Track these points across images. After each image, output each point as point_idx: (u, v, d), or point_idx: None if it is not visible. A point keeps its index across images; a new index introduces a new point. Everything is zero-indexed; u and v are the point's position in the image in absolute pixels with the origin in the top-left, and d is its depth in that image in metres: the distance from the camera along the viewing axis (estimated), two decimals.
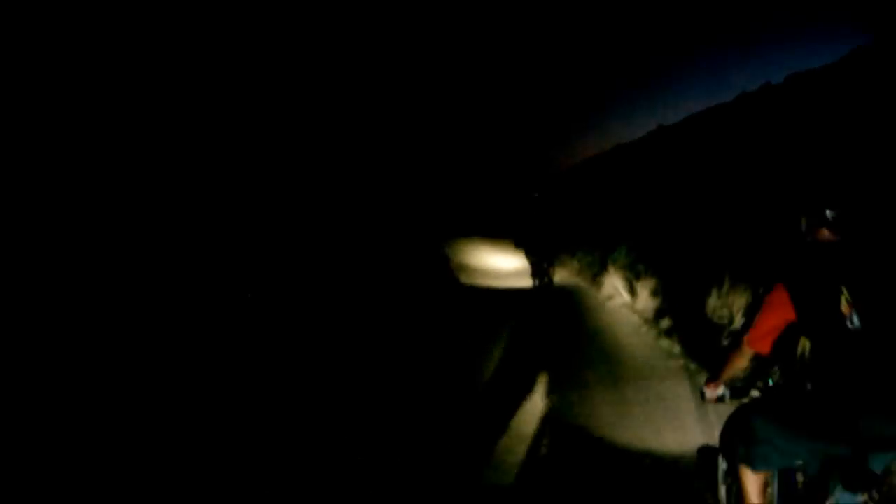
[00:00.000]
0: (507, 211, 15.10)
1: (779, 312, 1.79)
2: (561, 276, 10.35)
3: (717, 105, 14.43)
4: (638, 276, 8.50)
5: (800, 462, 1.95)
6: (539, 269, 8.76)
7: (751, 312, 1.94)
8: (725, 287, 5.43)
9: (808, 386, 1.74)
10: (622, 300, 8.79)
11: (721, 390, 2.12)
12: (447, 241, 13.36)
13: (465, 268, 11.98)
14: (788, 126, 8.54)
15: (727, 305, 5.31)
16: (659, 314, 7.24)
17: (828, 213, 1.85)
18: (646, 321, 7.47)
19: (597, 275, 10.40)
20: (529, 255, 9.04)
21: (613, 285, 9.29)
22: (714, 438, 2.48)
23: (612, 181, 14.42)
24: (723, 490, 2.41)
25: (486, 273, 11.84)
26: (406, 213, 12.57)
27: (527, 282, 9.53)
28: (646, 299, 7.94)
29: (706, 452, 2.69)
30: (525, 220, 9.14)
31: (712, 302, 5.58)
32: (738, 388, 2.15)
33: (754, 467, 1.95)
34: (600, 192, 14.44)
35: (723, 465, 2.38)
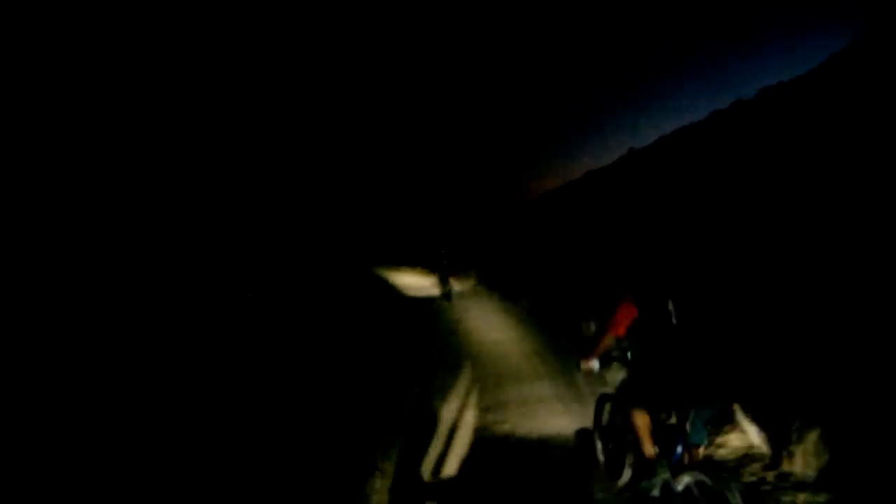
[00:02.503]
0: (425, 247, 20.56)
1: (628, 311, 2.67)
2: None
3: (689, 125, 13.40)
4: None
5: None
6: (444, 282, 12.79)
7: (611, 308, 2.76)
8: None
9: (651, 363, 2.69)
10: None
11: (594, 363, 2.93)
12: (388, 267, 18.20)
13: (399, 286, 15.85)
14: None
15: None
16: None
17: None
18: None
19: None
20: (438, 275, 13.27)
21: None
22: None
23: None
24: (599, 446, 3.44)
25: (412, 287, 16.02)
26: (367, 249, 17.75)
27: (436, 291, 13.75)
28: None
29: (582, 432, 3.85)
30: (436, 255, 13.46)
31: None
32: (605, 360, 2.97)
33: (639, 406, 2.79)
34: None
35: (598, 435, 3.47)
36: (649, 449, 2.74)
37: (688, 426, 2.58)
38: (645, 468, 2.75)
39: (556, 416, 4.34)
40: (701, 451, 2.76)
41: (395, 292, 13.96)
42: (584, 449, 3.56)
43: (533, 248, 14.99)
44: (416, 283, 16.54)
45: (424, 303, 12.62)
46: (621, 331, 2.69)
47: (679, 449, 2.62)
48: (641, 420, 2.76)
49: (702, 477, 2.43)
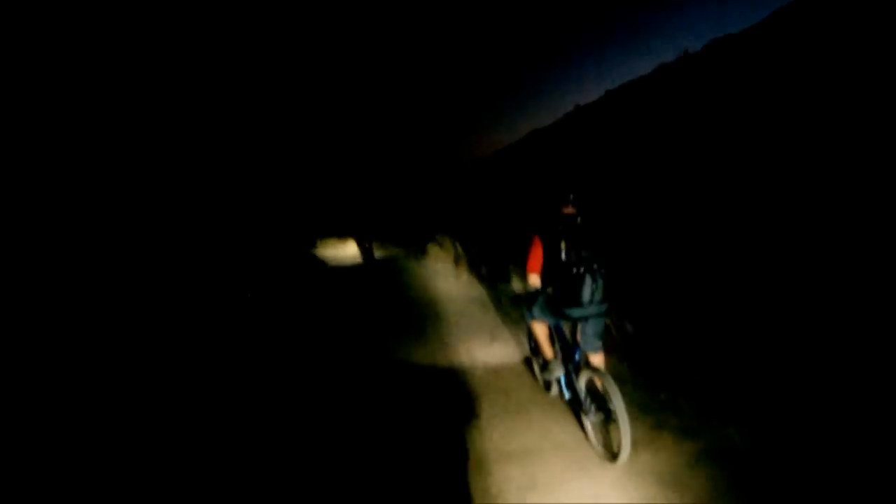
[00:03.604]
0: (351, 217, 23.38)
1: (538, 251, 3.53)
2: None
3: (637, 79, 13.02)
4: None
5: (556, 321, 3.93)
6: (364, 250, 14.93)
7: (526, 253, 3.62)
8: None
9: (549, 289, 3.58)
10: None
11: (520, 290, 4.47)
12: (317, 240, 20.68)
13: (326, 257, 18.03)
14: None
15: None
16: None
17: (570, 196, 3.56)
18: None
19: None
20: (358, 243, 15.30)
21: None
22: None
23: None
24: (535, 366, 4.62)
25: (337, 259, 18.10)
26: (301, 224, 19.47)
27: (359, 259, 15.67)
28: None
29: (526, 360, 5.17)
30: (359, 224, 16.14)
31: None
32: (517, 298, 4.67)
33: (538, 319, 3.84)
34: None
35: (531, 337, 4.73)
36: (548, 352, 3.88)
37: (579, 337, 3.60)
38: (546, 366, 3.85)
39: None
40: (597, 358, 3.62)
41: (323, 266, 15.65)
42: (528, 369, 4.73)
43: (471, 204, 16.22)
44: (345, 252, 18.97)
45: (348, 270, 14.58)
46: (536, 265, 3.53)
47: (577, 355, 3.65)
48: (540, 330, 3.85)
49: (591, 375, 3.44)
